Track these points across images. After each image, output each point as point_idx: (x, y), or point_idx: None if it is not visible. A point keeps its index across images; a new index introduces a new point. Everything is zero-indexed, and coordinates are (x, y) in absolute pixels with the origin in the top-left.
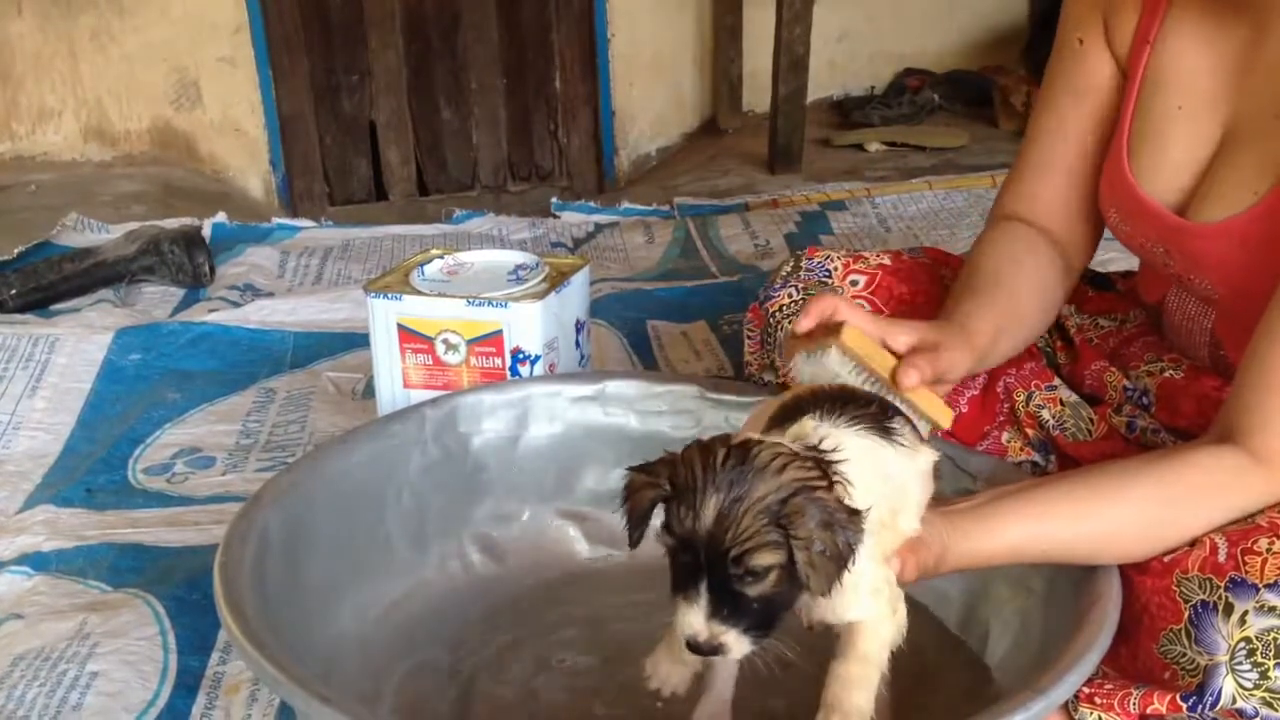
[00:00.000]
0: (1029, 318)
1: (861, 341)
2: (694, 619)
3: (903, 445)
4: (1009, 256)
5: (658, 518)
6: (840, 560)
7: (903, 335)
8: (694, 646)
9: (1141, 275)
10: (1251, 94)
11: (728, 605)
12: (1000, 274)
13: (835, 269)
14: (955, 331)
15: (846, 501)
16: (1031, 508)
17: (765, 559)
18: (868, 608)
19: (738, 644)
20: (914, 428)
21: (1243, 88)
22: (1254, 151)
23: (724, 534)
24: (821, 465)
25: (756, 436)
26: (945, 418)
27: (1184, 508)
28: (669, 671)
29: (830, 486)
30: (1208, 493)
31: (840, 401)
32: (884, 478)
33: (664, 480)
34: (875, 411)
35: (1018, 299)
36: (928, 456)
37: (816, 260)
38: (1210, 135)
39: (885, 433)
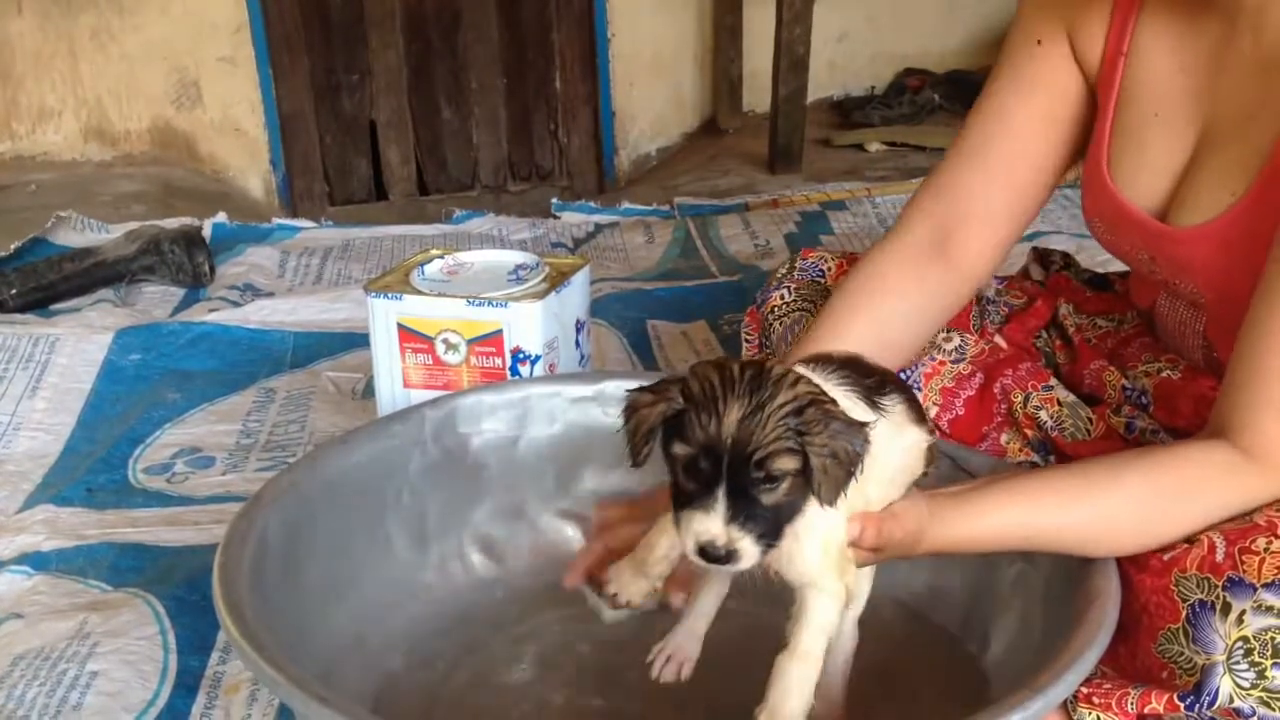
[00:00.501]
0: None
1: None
2: (712, 524)
3: (886, 416)
4: (851, 295)
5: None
6: (849, 469)
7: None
8: (709, 552)
9: (1132, 281)
10: (1224, 97)
11: (744, 511)
12: (826, 318)
13: (828, 269)
14: None
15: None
16: (1019, 493)
17: (785, 463)
18: (815, 563)
19: (750, 551)
20: (909, 408)
21: (1215, 92)
22: (1229, 154)
23: (749, 437)
24: (819, 386)
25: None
26: None
27: (1174, 500)
28: (629, 582)
29: (834, 402)
30: (1199, 486)
31: (835, 363)
32: None
33: (674, 394)
34: (870, 384)
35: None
36: (917, 436)
37: (811, 261)
38: (1187, 140)
39: (871, 402)
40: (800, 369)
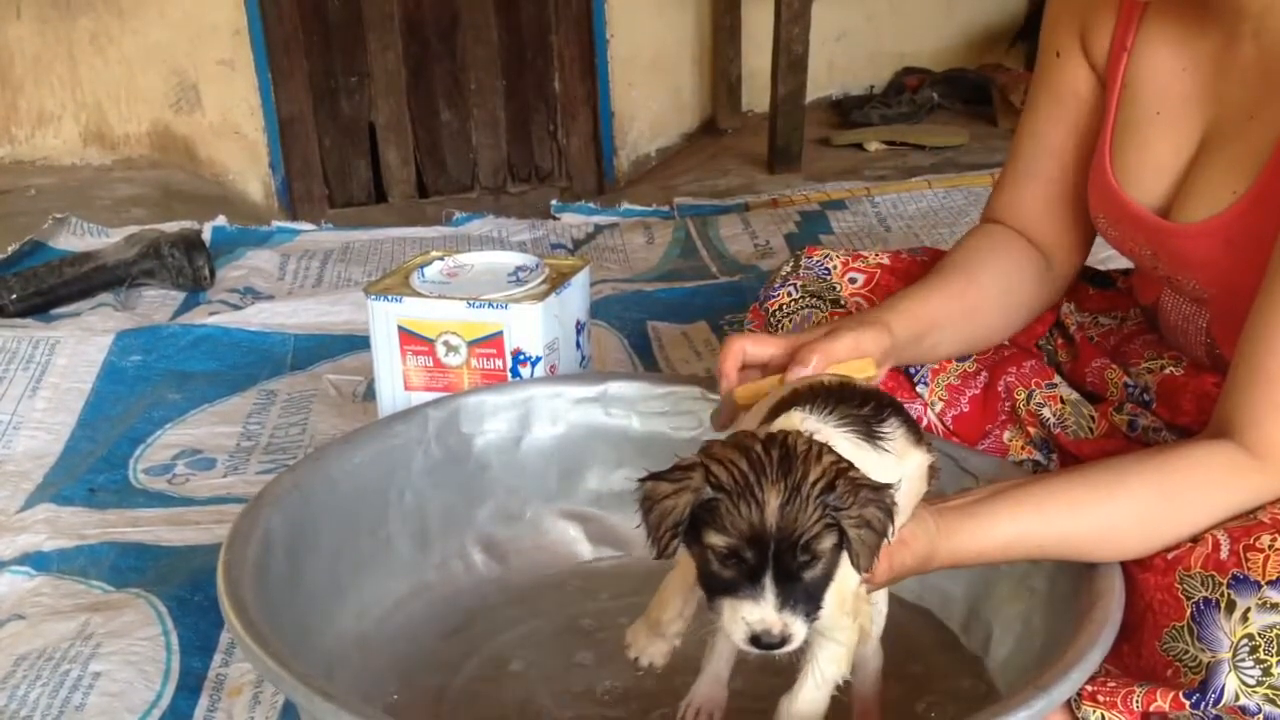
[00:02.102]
0: (986, 314)
1: (748, 392)
2: (766, 613)
3: (887, 451)
4: (977, 254)
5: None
6: (882, 533)
7: (808, 336)
8: (763, 641)
9: (1135, 278)
10: (1226, 97)
11: (789, 594)
12: (960, 269)
13: (834, 268)
14: (868, 316)
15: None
16: (1026, 503)
17: (827, 541)
18: (829, 613)
19: (801, 631)
20: (908, 430)
21: (1217, 91)
22: (1231, 152)
23: (793, 523)
24: (835, 451)
25: (775, 429)
26: (867, 371)
27: (1180, 502)
28: (647, 644)
29: (855, 467)
30: (1204, 488)
31: (834, 399)
32: None
33: (699, 482)
34: (867, 413)
35: (971, 294)
36: (917, 460)
37: (816, 259)
38: (1189, 138)
39: (871, 436)
40: (798, 415)
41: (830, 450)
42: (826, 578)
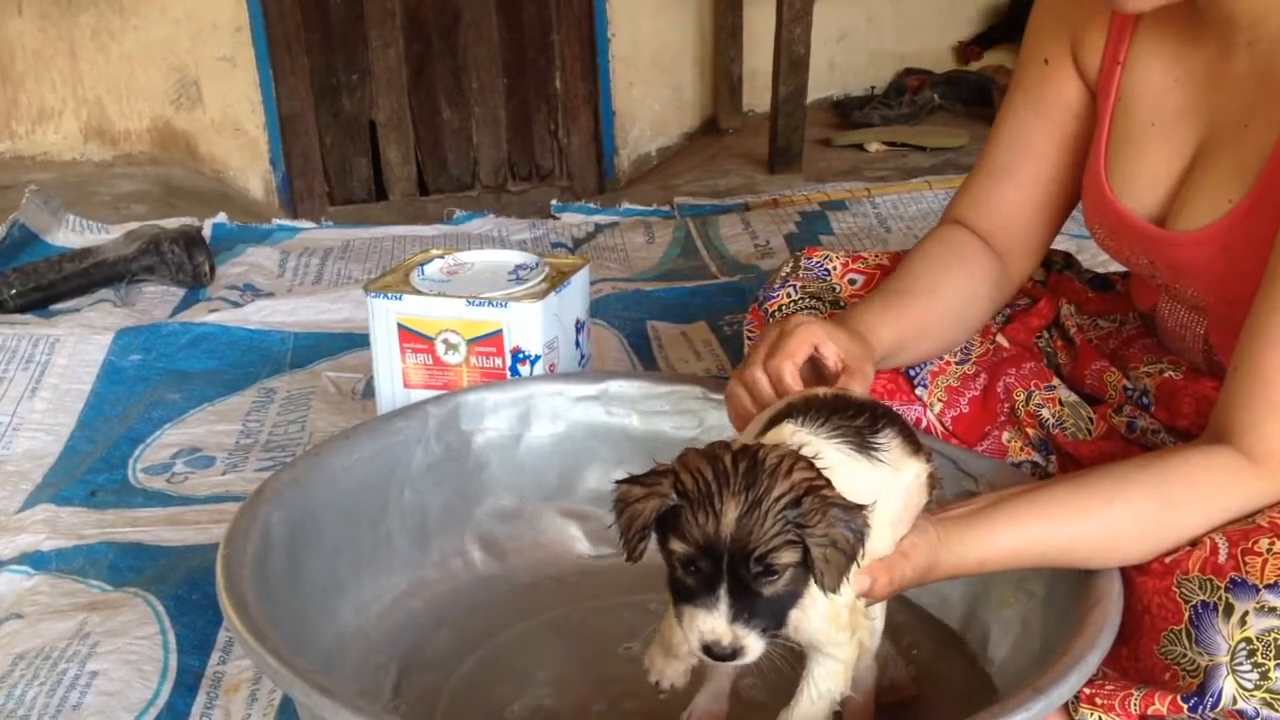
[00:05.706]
0: (942, 329)
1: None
2: (716, 624)
3: (882, 462)
4: (939, 267)
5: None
6: (850, 555)
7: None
8: (714, 651)
9: (1133, 284)
10: (1220, 107)
11: (746, 608)
12: (922, 283)
13: (834, 268)
14: (858, 343)
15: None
16: (1027, 512)
17: (786, 557)
18: (822, 630)
19: (755, 646)
20: (905, 440)
21: (1211, 102)
22: (1226, 161)
23: (747, 535)
24: (814, 466)
25: (754, 441)
26: None
27: (1181, 508)
28: (663, 666)
29: (830, 485)
30: (1204, 493)
31: (828, 410)
32: (850, 494)
33: (666, 488)
34: (861, 424)
35: (932, 310)
36: (915, 470)
37: (815, 260)
38: (1184, 148)
39: (865, 447)
40: (790, 427)
41: (806, 466)
42: (791, 595)
